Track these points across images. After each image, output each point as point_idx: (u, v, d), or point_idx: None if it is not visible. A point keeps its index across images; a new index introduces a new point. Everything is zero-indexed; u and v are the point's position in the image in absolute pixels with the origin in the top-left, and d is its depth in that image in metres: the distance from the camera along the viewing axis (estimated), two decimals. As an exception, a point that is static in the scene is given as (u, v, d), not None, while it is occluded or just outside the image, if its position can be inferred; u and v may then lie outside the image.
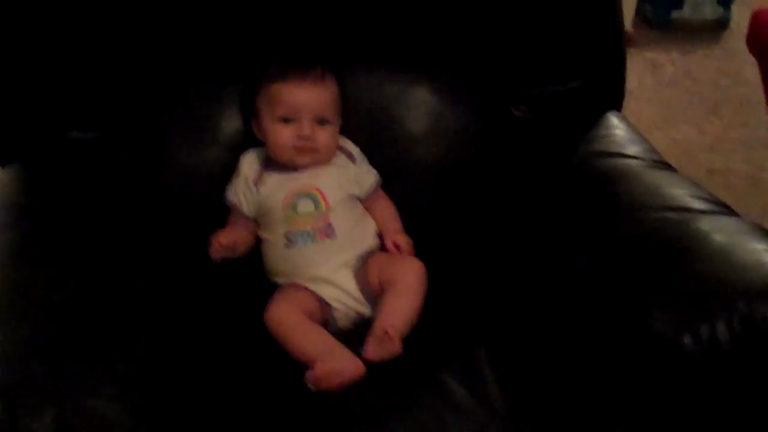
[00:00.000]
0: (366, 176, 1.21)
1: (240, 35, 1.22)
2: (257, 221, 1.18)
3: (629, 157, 1.16)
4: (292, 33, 1.22)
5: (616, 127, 1.25)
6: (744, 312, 0.81)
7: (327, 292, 1.10)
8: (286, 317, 1.04)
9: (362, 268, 1.12)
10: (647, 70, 2.83)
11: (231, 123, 1.22)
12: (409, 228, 1.21)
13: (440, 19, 1.24)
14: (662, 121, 2.48)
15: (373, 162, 1.23)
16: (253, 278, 1.15)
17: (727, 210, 1.02)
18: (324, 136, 1.15)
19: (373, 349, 1.00)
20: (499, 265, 1.16)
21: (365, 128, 1.24)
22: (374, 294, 1.10)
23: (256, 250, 1.17)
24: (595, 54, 1.27)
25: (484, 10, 1.24)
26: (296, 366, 0.99)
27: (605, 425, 0.91)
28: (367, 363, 0.99)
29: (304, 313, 1.06)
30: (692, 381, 0.84)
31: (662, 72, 2.84)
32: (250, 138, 1.19)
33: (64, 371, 0.81)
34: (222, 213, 1.19)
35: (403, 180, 1.24)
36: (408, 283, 1.08)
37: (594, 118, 1.27)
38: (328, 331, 1.06)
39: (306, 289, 1.10)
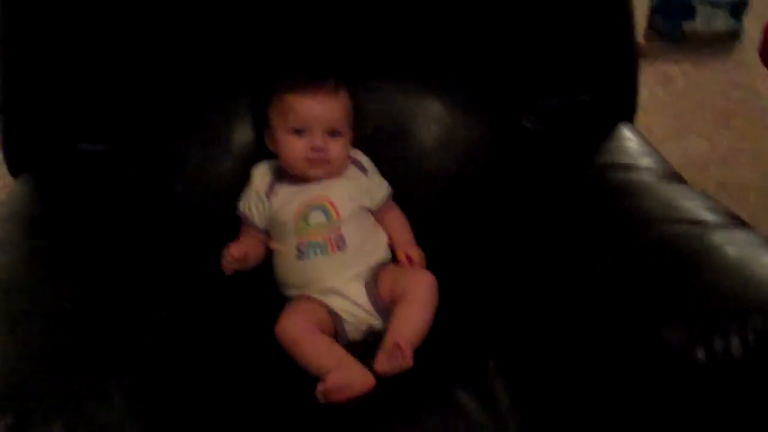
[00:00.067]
0: (377, 188, 1.21)
1: (253, 47, 1.22)
2: (269, 233, 1.18)
3: (641, 169, 1.15)
4: (305, 45, 1.23)
5: (628, 138, 1.25)
6: (758, 325, 0.80)
7: (338, 304, 1.10)
8: (297, 329, 1.04)
9: (373, 281, 1.12)
10: (659, 82, 2.82)
11: (243, 135, 1.22)
12: (420, 240, 1.21)
13: (452, 31, 1.24)
14: (674, 132, 2.47)
15: (385, 174, 1.23)
16: (265, 290, 1.15)
17: (740, 223, 1.01)
18: (336, 148, 1.15)
19: (384, 362, 1.00)
20: (511, 278, 1.15)
21: (377, 140, 1.24)
22: (385, 306, 1.10)
23: (267, 263, 1.17)
24: (608, 66, 1.27)
25: (496, 23, 1.24)
26: (307, 378, 0.99)
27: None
28: (378, 376, 0.99)
29: (314, 325, 1.06)
30: (705, 394, 0.84)
31: (674, 84, 2.83)
32: (263, 150, 1.20)
33: (72, 381, 0.82)
34: (234, 225, 1.19)
35: (415, 192, 1.24)
36: (419, 296, 1.07)
37: (606, 130, 1.27)
38: (339, 343, 1.06)
39: (317, 301, 1.10)
